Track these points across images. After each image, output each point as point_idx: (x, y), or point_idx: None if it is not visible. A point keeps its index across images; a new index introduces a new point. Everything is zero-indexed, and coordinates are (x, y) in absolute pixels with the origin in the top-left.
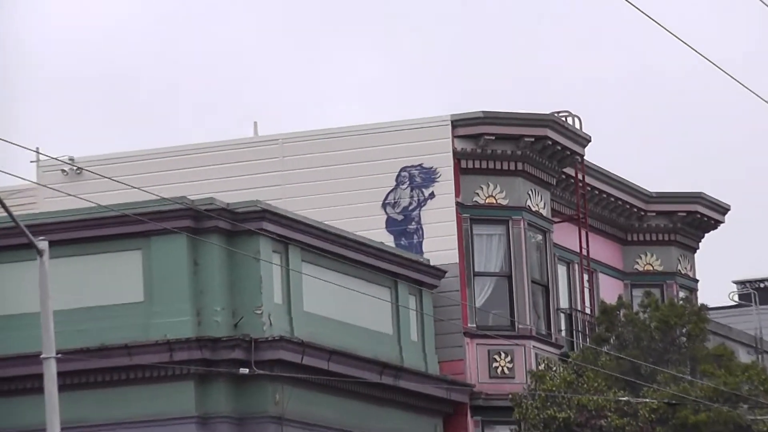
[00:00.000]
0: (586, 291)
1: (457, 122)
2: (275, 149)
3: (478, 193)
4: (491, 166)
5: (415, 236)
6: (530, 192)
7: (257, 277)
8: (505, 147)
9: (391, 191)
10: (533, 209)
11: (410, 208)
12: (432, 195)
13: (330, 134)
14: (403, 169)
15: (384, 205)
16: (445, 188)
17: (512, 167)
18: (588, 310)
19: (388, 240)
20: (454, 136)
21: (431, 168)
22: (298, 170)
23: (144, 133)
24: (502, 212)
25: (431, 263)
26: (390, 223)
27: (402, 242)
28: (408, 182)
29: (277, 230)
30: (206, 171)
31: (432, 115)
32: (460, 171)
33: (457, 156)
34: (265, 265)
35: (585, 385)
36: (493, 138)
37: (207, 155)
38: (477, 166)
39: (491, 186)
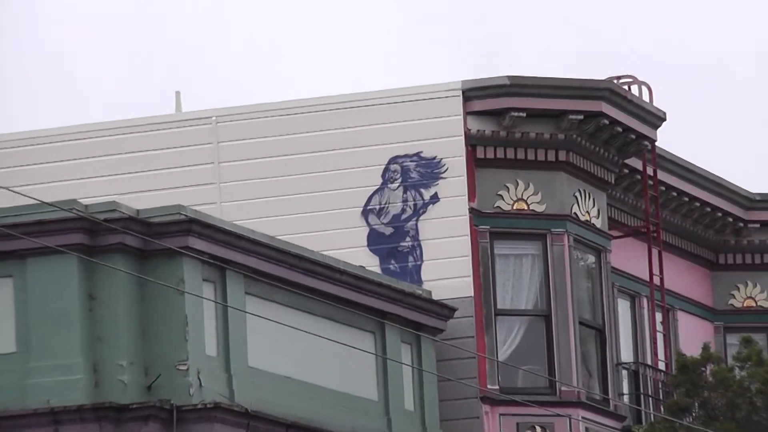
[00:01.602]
0: (659, 337)
1: (472, 92)
2: (206, 132)
3: (501, 196)
4: (521, 156)
5: (411, 258)
6: (577, 194)
7: (181, 317)
8: (541, 128)
9: (376, 193)
10: (582, 219)
11: (403, 217)
12: (435, 198)
13: (286, 110)
14: (392, 161)
15: (365, 213)
16: (453, 188)
17: (551, 158)
18: (661, 366)
19: (371, 263)
20: (468, 113)
21: (434, 158)
22: (240, 162)
23: (20, 111)
24: (536, 223)
25: (433, 297)
26: (374, 239)
27: (391, 266)
28: (400, 179)
29: (210, 249)
30: (105, 163)
31: (435, 82)
32: (475, 163)
33: (472, 141)
34: (191, 300)
35: None
36: (524, 115)
37: (108, 140)
38: (500, 155)
39: (521, 185)
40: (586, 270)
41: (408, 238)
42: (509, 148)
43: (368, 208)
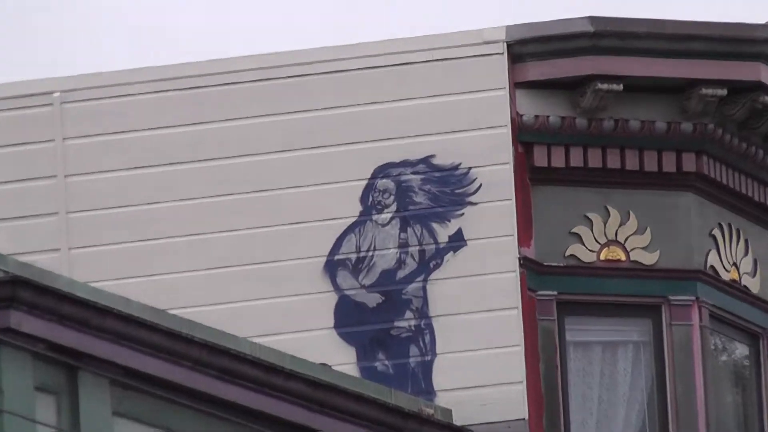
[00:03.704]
0: None
1: (525, 47)
2: (45, 115)
3: (579, 237)
4: (614, 163)
5: (414, 349)
6: (717, 232)
7: None
8: (652, 112)
9: (350, 230)
10: (724, 277)
11: (401, 275)
12: (457, 240)
13: (184, 79)
14: (380, 172)
15: (331, 268)
16: (491, 222)
17: (669, 166)
18: None
19: (340, 358)
20: (517, 85)
21: (455, 167)
22: (103, 175)
23: None
24: (642, 286)
25: (455, 421)
26: (346, 314)
27: (378, 364)
28: (394, 206)
29: (49, 332)
30: None
31: (454, 28)
32: (531, 176)
33: (525, 136)
34: (14, 424)
35: None
36: (620, 88)
37: None
38: (576, 162)
39: (614, 217)
40: (732, 369)
41: (409, 313)
42: (593, 148)
43: (336, 257)
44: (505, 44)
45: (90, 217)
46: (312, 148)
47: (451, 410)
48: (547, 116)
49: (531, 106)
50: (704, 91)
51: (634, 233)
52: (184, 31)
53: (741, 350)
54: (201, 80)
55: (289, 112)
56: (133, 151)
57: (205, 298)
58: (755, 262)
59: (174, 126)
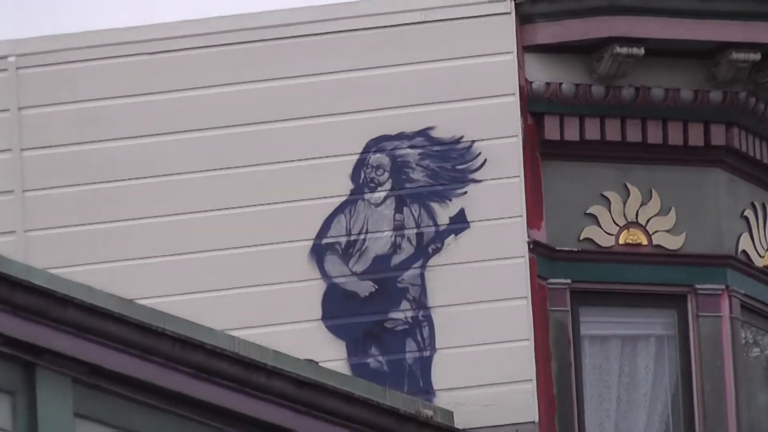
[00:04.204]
0: None
1: (536, 7)
2: None
3: (595, 218)
4: (634, 136)
5: (411, 343)
6: (749, 213)
7: None
8: (675, 79)
9: (340, 211)
10: (757, 264)
11: (396, 260)
12: (459, 221)
13: (154, 42)
14: (373, 145)
15: (318, 252)
16: (498, 201)
17: (696, 140)
18: None
19: (328, 354)
20: (526, 48)
21: (457, 140)
22: (63, 149)
23: None
24: (664, 272)
25: (456, 424)
26: (335, 304)
27: (371, 360)
28: (388, 183)
29: (5, 325)
30: None
31: None
32: (542, 150)
33: (535, 106)
34: None
35: None
36: (641, 52)
37: None
38: (592, 135)
39: (634, 195)
40: (765, 365)
41: (405, 303)
42: (611, 119)
43: (324, 241)
44: (513, 2)
45: (49, 196)
46: (295, 119)
47: (452, 412)
48: (560, 83)
49: (541, 72)
50: (735, 55)
51: (657, 214)
52: None
53: None
54: (170, 43)
55: (268, 79)
56: (98, 123)
57: (177, 287)
58: None
59: (142, 94)
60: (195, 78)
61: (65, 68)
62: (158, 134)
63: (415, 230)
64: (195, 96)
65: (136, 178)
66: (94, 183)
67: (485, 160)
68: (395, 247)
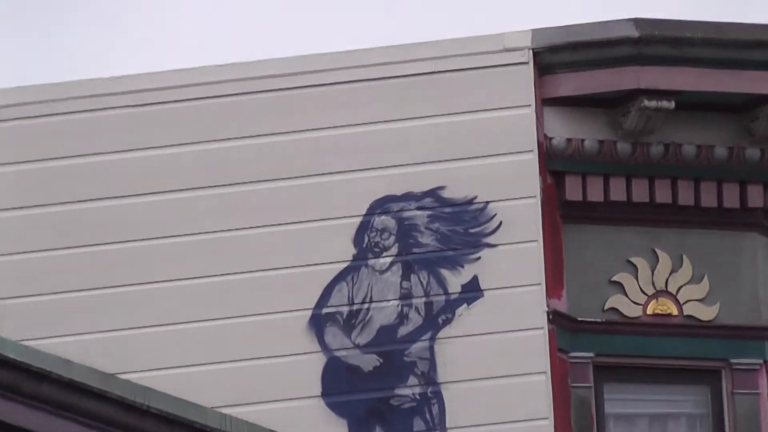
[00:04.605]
0: None
1: (555, 56)
2: None
3: (621, 287)
4: (662, 197)
5: (420, 422)
6: None
7: None
8: (709, 135)
9: (341, 278)
10: None
11: (402, 332)
12: (472, 290)
13: (122, 95)
14: (378, 207)
15: (317, 322)
16: (514, 268)
17: (731, 202)
18: None
19: (335, 430)
20: (545, 102)
21: (470, 201)
22: (30, 210)
23: None
24: (696, 345)
25: None
26: (335, 380)
27: None
28: (395, 247)
29: None
30: None
31: (475, 32)
32: (561, 214)
33: (555, 164)
34: None
35: None
36: (671, 106)
37: None
38: (617, 196)
39: (663, 261)
40: None
41: (413, 378)
42: (638, 179)
43: (324, 311)
44: (531, 51)
45: (21, 261)
46: (293, 177)
47: None
48: (582, 140)
49: (562, 127)
50: None
51: (689, 282)
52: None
53: None
54: (156, 95)
55: (263, 134)
56: (73, 181)
57: (163, 360)
58: None
59: (120, 151)
60: (181, 133)
61: (40, 122)
62: (142, 194)
63: (423, 299)
64: (181, 153)
65: (119, 242)
66: (70, 247)
67: (501, 223)
68: (402, 318)
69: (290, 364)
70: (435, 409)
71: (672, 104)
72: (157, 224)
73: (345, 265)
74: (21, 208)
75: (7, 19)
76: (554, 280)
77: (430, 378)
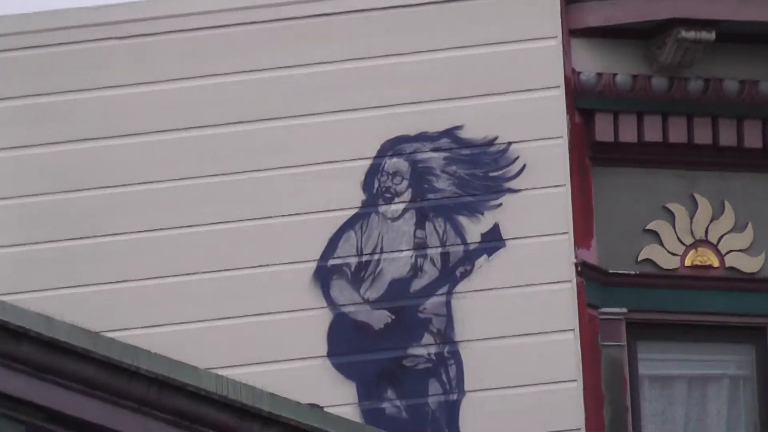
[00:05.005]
0: None
1: None
2: None
3: (657, 235)
4: (703, 137)
5: (435, 383)
6: None
7: None
8: (753, 69)
9: (350, 225)
10: None
11: (417, 285)
12: (492, 238)
13: (119, 24)
14: (389, 147)
15: (323, 274)
16: (538, 215)
17: None
18: None
19: (337, 398)
20: (572, 32)
21: (490, 142)
22: (11, 150)
23: None
24: (740, 300)
25: None
26: (343, 338)
27: (387, 404)
28: (408, 192)
29: None
30: None
31: None
32: (591, 155)
33: (583, 101)
34: None
35: None
36: (711, 36)
37: None
38: (652, 136)
39: (703, 207)
40: None
41: (428, 337)
42: (675, 117)
43: (330, 263)
44: None
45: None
46: (295, 116)
47: None
48: (614, 74)
49: (592, 61)
50: None
51: (731, 231)
52: None
53: None
54: (141, 26)
55: (262, 69)
56: (72, 117)
57: (154, 317)
58: None
59: (106, 87)
60: (171, 67)
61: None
62: (131, 134)
63: (439, 249)
64: (171, 89)
65: (107, 187)
66: (54, 193)
67: (524, 166)
68: (416, 270)
69: (293, 321)
70: (452, 370)
71: (712, 35)
72: (147, 168)
73: (353, 212)
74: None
75: None
76: (583, 229)
77: (446, 336)
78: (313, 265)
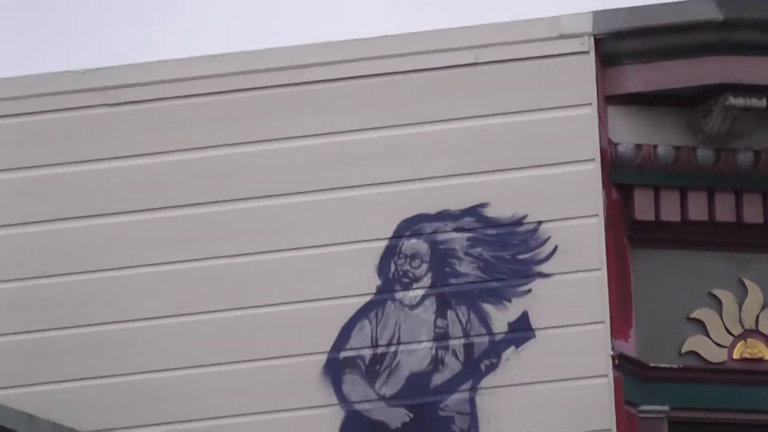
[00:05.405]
0: None
1: (621, 44)
2: None
3: (703, 326)
4: (754, 215)
5: None
6: None
7: None
8: None
9: (363, 314)
10: None
11: (437, 380)
12: (521, 328)
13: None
14: (407, 227)
15: (335, 367)
16: (573, 303)
17: None
18: None
19: None
20: (608, 99)
21: (518, 220)
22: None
23: None
24: None
25: None
26: None
27: None
28: (428, 276)
29: None
30: None
31: (525, 16)
32: (629, 236)
33: (621, 175)
34: None
35: None
36: (762, 104)
37: None
38: (696, 214)
39: (750, 293)
40: None
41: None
42: (722, 194)
43: (342, 355)
44: (593, 38)
45: None
46: (306, 192)
47: None
48: (654, 146)
49: (630, 131)
50: None
51: None
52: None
53: None
54: (137, 92)
55: (271, 140)
56: (62, 193)
57: (149, 416)
58: None
59: (107, 159)
60: (175, 137)
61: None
62: (132, 211)
63: (462, 340)
64: (171, 161)
65: (110, 269)
66: (55, 275)
67: (556, 248)
68: (436, 363)
69: (301, 419)
70: None
71: (763, 102)
72: (150, 250)
73: (367, 299)
74: None
75: None
76: (621, 318)
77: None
78: (324, 358)
